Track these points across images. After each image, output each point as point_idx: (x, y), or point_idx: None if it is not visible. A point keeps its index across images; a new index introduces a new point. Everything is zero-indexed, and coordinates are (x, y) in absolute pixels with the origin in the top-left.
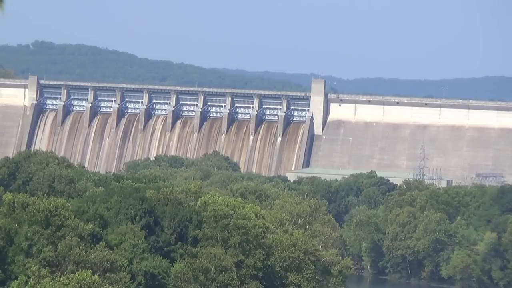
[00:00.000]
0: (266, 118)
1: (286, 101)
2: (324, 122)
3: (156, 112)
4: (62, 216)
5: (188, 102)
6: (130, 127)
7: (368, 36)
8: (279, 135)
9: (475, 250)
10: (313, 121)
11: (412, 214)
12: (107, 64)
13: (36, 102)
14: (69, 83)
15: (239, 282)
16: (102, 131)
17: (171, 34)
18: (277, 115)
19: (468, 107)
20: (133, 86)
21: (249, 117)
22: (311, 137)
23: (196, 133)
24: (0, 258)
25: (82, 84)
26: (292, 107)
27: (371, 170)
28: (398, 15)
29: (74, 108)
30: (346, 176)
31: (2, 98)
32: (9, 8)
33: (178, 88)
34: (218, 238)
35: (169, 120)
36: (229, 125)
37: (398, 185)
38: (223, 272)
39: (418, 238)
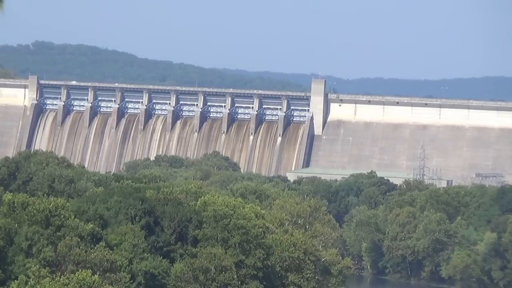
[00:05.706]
0: (266, 118)
1: (286, 101)
2: (324, 122)
3: (156, 112)
4: (62, 216)
5: (188, 102)
6: (130, 127)
7: (368, 36)
8: (279, 135)
9: (475, 250)
10: (313, 121)
11: (412, 214)
12: (107, 64)
13: (36, 102)
14: (69, 83)
15: (239, 282)
16: (102, 131)
17: (171, 34)
18: (277, 115)
19: (468, 107)
20: (133, 86)
21: (249, 117)
22: (311, 137)
23: (196, 133)
24: (0, 258)
25: (82, 84)
26: (292, 107)
27: (371, 170)
28: (398, 16)
29: (74, 108)
30: (346, 176)
31: (2, 98)
32: (9, 8)
33: (178, 88)
34: (218, 238)
35: (169, 120)
36: (229, 125)
37: (398, 185)
38: (223, 272)
39: (418, 238)
